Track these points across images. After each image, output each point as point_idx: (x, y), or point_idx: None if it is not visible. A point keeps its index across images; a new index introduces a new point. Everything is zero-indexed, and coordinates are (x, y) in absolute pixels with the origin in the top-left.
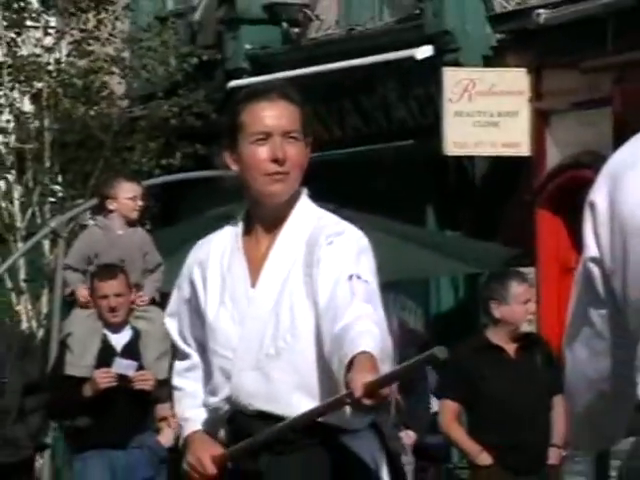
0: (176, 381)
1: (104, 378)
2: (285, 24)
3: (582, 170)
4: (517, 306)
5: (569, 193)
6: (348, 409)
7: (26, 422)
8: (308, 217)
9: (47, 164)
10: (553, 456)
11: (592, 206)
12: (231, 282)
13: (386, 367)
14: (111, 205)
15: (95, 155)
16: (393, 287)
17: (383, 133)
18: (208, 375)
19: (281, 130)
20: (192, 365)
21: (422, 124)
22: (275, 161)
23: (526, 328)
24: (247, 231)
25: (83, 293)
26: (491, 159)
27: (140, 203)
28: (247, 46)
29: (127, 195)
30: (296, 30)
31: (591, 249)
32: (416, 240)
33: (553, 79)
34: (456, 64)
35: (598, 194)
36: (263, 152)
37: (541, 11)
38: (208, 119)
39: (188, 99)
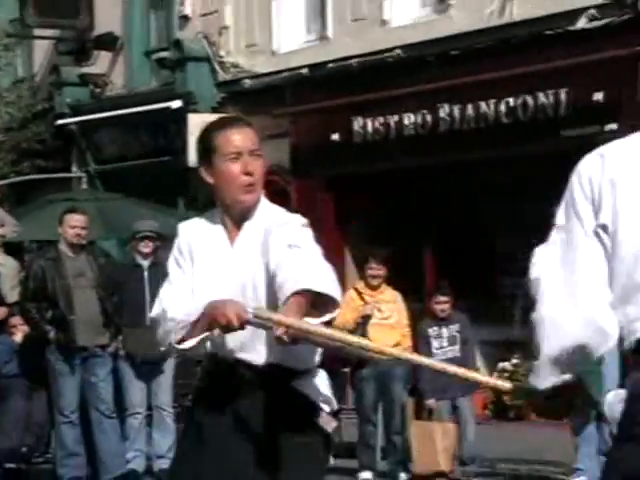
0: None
1: None
2: (92, 86)
3: (272, 176)
4: None
5: (266, 189)
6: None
7: None
8: (267, 212)
9: None
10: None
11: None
12: (216, 256)
13: (333, 286)
14: None
15: None
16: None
17: (151, 152)
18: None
19: (248, 149)
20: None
21: (175, 148)
22: (247, 174)
23: None
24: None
25: None
26: None
27: None
28: (68, 99)
29: None
30: (98, 90)
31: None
32: (171, 215)
33: (254, 120)
34: (195, 111)
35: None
36: (236, 167)
37: (247, 81)
38: (45, 143)
39: (33, 131)
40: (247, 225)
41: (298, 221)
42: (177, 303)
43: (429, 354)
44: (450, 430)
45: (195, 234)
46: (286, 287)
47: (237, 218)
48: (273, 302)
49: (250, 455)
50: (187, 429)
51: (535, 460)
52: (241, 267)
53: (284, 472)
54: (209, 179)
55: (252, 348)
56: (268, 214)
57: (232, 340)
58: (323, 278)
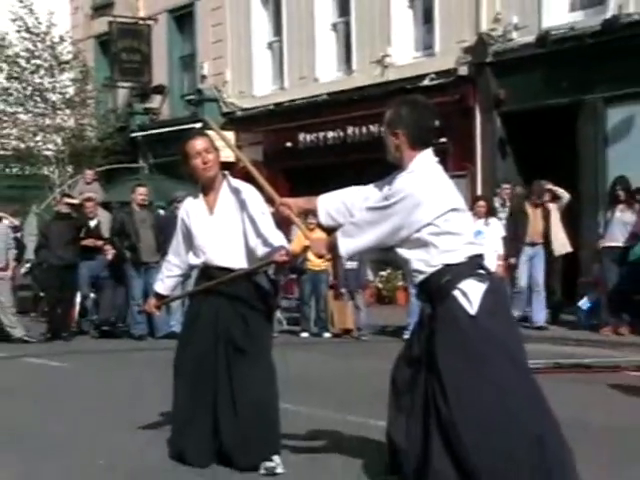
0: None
1: None
2: (150, 114)
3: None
4: None
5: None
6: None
7: None
8: (233, 184)
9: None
10: None
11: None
12: (201, 215)
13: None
14: None
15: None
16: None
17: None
18: (195, 252)
19: (204, 149)
20: (176, 263)
21: None
22: (204, 163)
23: None
24: (203, 195)
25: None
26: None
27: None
28: (137, 122)
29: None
30: (154, 117)
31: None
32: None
33: (243, 136)
34: (211, 130)
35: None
36: (199, 162)
37: (238, 112)
38: (123, 147)
39: (116, 140)
40: (221, 196)
41: (252, 188)
42: (172, 251)
43: (341, 266)
44: (353, 306)
45: (189, 204)
46: (268, 242)
47: (210, 190)
48: (247, 247)
49: (232, 319)
50: (189, 310)
51: (399, 325)
52: (221, 227)
53: (253, 324)
54: (189, 172)
55: (231, 260)
56: (235, 186)
57: (218, 255)
58: (280, 235)
